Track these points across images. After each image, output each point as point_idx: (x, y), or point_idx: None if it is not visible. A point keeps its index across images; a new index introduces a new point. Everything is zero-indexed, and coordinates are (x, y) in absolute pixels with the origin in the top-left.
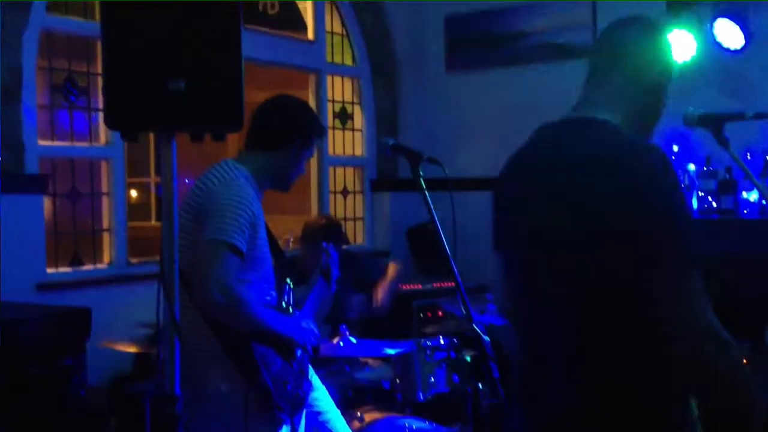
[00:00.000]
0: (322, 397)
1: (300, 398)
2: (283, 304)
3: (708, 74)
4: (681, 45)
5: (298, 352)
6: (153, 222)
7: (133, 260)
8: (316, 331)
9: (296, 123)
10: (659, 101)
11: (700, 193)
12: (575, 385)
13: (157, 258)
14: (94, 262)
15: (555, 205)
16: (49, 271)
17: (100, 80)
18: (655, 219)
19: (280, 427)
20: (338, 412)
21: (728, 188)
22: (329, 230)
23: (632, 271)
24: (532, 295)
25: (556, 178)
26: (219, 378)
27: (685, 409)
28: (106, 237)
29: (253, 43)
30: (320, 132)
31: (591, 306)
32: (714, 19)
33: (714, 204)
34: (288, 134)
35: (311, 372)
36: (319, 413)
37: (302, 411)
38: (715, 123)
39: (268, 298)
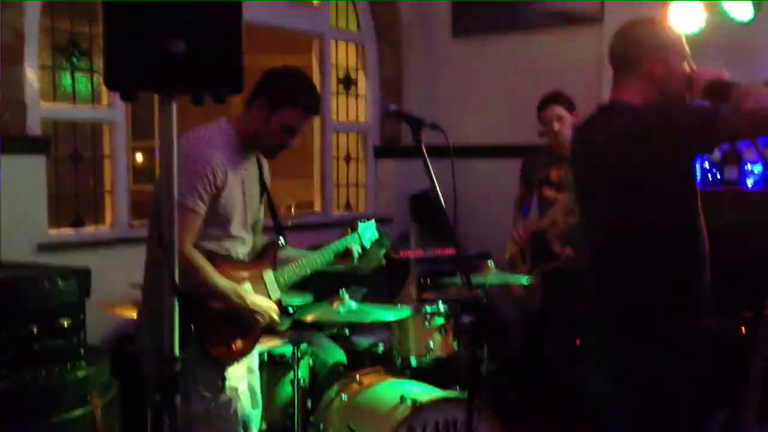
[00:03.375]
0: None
1: (238, 349)
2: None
3: (716, 45)
4: (689, 16)
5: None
6: None
7: (135, 223)
8: (274, 306)
9: (267, 84)
10: None
11: (705, 164)
12: None
13: None
14: (96, 224)
15: None
16: (51, 232)
17: (102, 42)
18: None
19: (216, 371)
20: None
21: (733, 159)
22: None
23: None
24: None
25: None
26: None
27: None
28: (108, 199)
29: (257, 6)
30: (295, 100)
31: None
32: None
33: (718, 175)
34: (257, 94)
35: None
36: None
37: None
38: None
39: (239, 256)
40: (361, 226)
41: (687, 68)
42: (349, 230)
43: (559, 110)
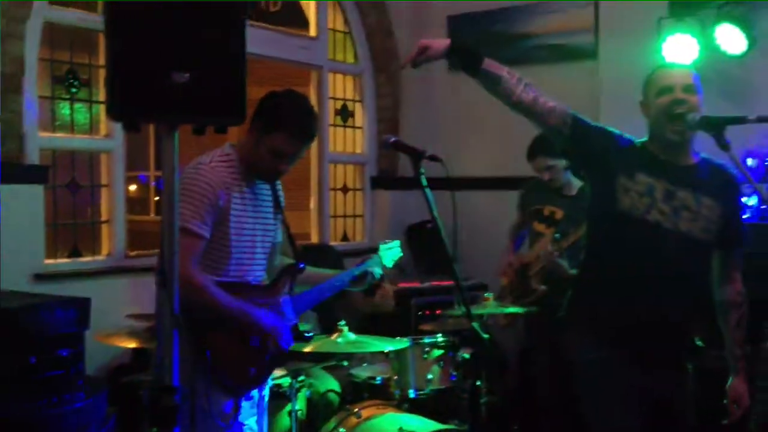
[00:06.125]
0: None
1: (252, 377)
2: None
3: (710, 79)
4: (682, 49)
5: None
6: (152, 215)
7: (132, 253)
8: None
9: (262, 106)
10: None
11: None
12: None
13: (156, 251)
14: (93, 254)
15: None
16: (48, 262)
17: (101, 72)
18: None
19: (227, 400)
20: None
21: None
22: None
23: None
24: None
25: None
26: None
27: None
28: (105, 229)
29: (255, 39)
30: (284, 125)
31: None
32: (717, 23)
33: None
34: (253, 117)
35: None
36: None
37: (253, 390)
38: (716, 127)
39: (255, 280)
40: (382, 248)
41: None
42: (371, 255)
43: (546, 161)
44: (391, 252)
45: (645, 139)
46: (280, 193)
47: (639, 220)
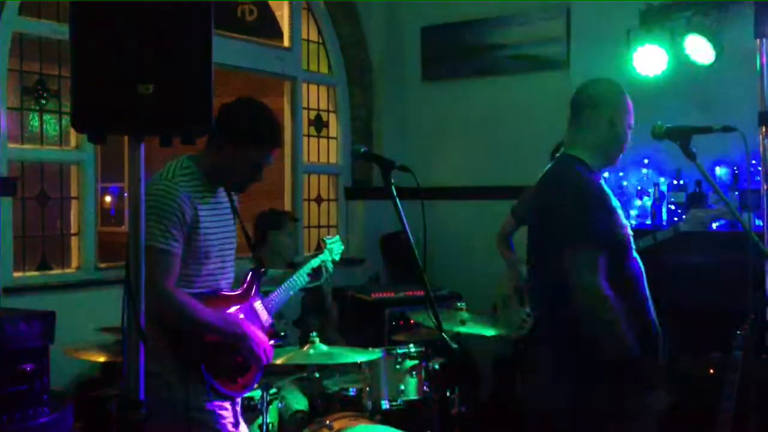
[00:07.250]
0: None
1: (241, 385)
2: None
3: (679, 88)
4: (652, 59)
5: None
6: (125, 227)
7: (102, 265)
8: (268, 345)
9: (227, 122)
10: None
11: (671, 206)
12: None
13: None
14: (62, 267)
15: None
16: (16, 275)
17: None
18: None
19: (223, 409)
20: None
21: (698, 201)
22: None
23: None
24: None
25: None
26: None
27: None
28: (74, 241)
29: (229, 49)
30: (258, 137)
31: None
32: (686, 34)
33: (684, 217)
34: (221, 131)
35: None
36: None
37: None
38: (682, 136)
39: (225, 289)
40: (328, 242)
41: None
42: (322, 248)
43: None
44: (336, 246)
45: (582, 157)
46: (235, 198)
47: (629, 240)
